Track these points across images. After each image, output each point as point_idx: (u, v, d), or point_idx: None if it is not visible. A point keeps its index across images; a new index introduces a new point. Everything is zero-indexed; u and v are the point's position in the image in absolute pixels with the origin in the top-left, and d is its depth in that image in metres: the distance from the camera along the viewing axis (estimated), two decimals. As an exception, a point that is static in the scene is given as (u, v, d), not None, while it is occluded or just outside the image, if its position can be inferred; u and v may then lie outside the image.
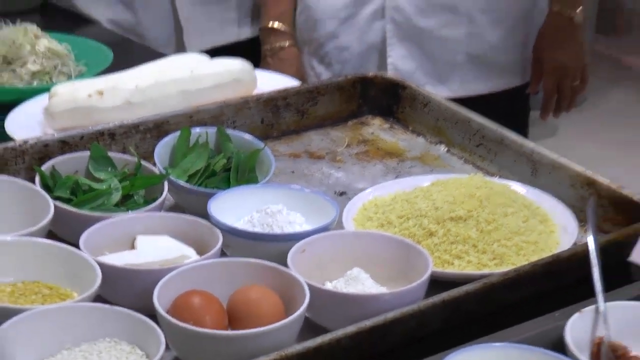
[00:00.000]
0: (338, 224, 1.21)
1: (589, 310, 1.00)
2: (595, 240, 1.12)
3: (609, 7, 5.21)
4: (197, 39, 2.19)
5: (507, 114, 2.01)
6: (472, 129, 1.46)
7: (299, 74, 2.06)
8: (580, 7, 2.20)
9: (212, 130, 1.34)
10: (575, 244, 1.23)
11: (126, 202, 1.21)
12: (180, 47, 2.21)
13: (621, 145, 4.20)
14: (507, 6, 2.15)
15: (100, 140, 1.26)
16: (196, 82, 1.53)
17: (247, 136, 1.36)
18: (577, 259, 1.12)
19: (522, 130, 2.16)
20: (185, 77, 1.53)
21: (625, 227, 1.22)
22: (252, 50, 2.17)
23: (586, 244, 1.13)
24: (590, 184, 1.31)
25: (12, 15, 1.78)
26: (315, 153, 1.42)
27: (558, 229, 1.28)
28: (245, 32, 2.25)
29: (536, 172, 1.36)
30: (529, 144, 1.40)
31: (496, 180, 1.30)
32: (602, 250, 1.10)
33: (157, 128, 1.32)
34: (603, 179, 1.32)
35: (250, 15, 2.27)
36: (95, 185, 1.14)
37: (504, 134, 1.42)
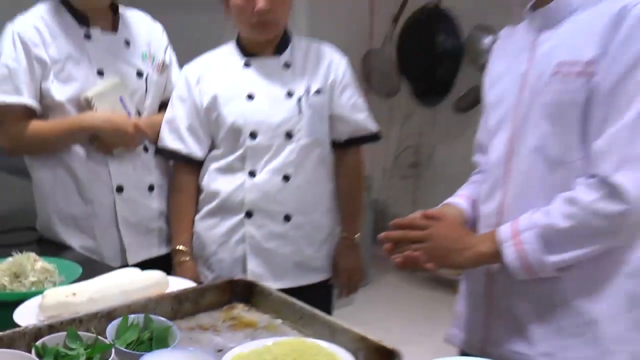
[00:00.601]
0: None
1: None
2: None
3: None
4: (134, 256, 2.16)
5: (319, 297, 2.11)
6: (296, 308, 1.45)
7: (195, 278, 2.03)
8: (358, 234, 2.28)
9: (141, 315, 1.32)
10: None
11: (89, 362, 1.19)
12: (124, 261, 2.14)
13: (392, 311, 4.36)
14: (318, 234, 2.18)
15: (73, 324, 1.28)
16: (132, 285, 1.52)
17: (162, 319, 1.35)
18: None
19: (328, 305, 2.27)
20: (126, 282, 1.53)
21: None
22: (168, 261, 2.16)
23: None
24: (363, 338, 1.31)
25: (19, 246, 1.79)
26: (203, 326, 1.43)
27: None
28: (163, 250, 2.24)
29: (334, 334, 1.35)
30: (328, 317, 1.41)
31: (310, 340, 1.32)
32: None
33: (108, 315, 1.33)
34: (371, 336, 1.32)
35: (166, 240, 2.24)
36: (70, 352, 1.17)
37: (314, 311, 1.42)
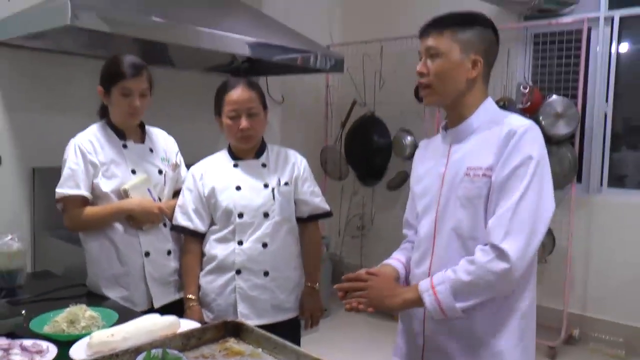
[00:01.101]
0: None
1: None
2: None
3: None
4: (158, 302, 2.14)
5: (291, 329, 2.14)
6: (272, 340, 1.43)
7: (200, 318, 2.02)
8: (318, 282, 2.23)
9: (160, 349, 1.30)
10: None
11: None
12: (150, 305, 2.12)
13: (347, 335, 4.27)
14: (288, 284, 2.15)
15: (112, 358, 1.28)
16: (154, 327, 1.52)
17: (175, 351, 1.32)
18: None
19: (298, 335, 2.23)
20: (149, 324, 1.53)
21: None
22: (181, 304, 2.11)
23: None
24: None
25: (73, 298, 1.77)
26: (205, 355, 1.40)
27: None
28: (178, 296, 2.20)
29: (299, 358, 1.33)
30: (295, 347, 1.38)
31: None
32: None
33: (137, 350, 1.31)
34: (325, 358, 1.29)
35: (180, 289, 2.20)
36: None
37: (285, 342, 1.40)
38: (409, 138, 4.71)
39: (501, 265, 1.34)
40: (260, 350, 1.44)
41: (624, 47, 4.20)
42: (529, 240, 1.35)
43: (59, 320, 1.60)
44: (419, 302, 1.44)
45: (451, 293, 1.39)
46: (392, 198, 5.00)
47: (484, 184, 1.41)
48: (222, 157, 2.16)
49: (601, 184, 4.14)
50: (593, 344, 4.03)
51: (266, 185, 2.09)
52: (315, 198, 2.20)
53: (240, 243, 2.05)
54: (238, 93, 2.02)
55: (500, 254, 1.34)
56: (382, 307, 1.51)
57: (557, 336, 3.97)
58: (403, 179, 4.81)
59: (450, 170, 1.50)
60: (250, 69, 4.15)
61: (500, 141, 1.41)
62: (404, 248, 1.74)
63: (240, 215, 2.05)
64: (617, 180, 4.21)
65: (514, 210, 1.35)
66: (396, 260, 1.69)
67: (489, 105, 1.51)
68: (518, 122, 1.44)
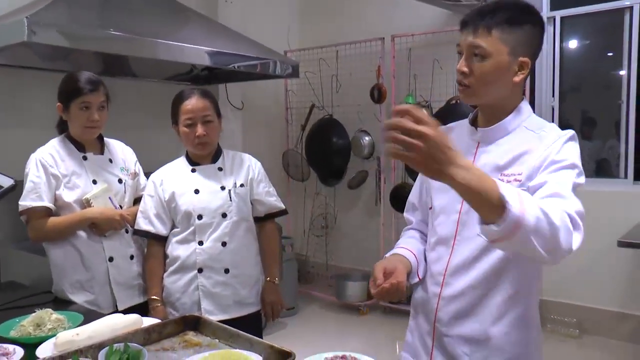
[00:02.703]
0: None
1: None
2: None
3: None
4: (122, 305, 2.16)
5: (254, 323, 2.20)
6: (227, 331, 1.48)
7: (165, 317, 2.01)
8: (277, 277, 2.26)
9: (122, 344, 1.34)
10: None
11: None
12: (115, 309, 2.14)
13: (314, 331, 4.33)
14: (249, 280, 2.19)
15: (76, 354, 1.30)
16: (117, 325, 1.53)
17: (136, 345, 1.36)
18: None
19: (260, 328, 2.28)
20: (112, 323, 1.54)
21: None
22: (146, 306, 2.14)
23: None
24: (270, 346, 1.34)
25: (40, 305, 1.78)
26: (165, 348, 1.44)
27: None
28: (142, 299, 2.22)
29: (252, 345, 1.37)
30: (248, 335, 1.43)
31: (236, 350, 1.37)
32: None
33: (100, 346, 1.35)
34: (275, 344, 1.35)
35: (144, 292, 2.23)
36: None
37: (239, 332, 1.45)
38: (366, 138, 4.83)
39: (578, 238, 1.17)
40: (217, 340, 1.49)
41: (573, 44, 4.40)
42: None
43: (25, 325, 1.63)
44: (490, 198, 1.04)
45: (536, 219, 1.08)
46: (354, 197, 5.11)
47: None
48: (180, 164, 2.21)
49: (551, 174, 4.31)
50: (550, 326, 4.21)
51: (223, 188, 2.14)
52: (270, 198, 2.27)
53: (200, 243, 2.11)
54: (193, 102, 2.08)
55: (577, 226, 1.18)
56: (431, 174, 1.05)
57: (515, 320, 4.13)
58: (363, 178, 4.92)
59: None
60: (210, 77, 4.22)
61: (539, 151, 1.31)
62: (412, 237, 1.62)
63: (200, 217, 2.11)
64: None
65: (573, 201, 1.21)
66: (406, 250, 1.55)
67: (524, 107, 1.40)
68: (558, 131, 1.34)
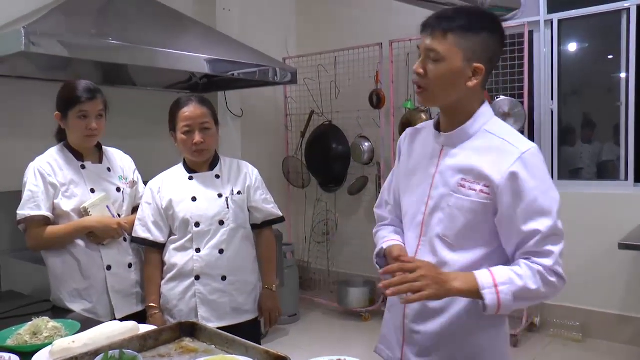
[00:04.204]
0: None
1: None
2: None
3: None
4: (120, 313, 2.17)
5: (251, 330, 2.19)
6: (222, 337, 1.48)
7: (163, 324, 1.95)
8: (274, 284, 2.27)
9: (117, 350, 1.35)
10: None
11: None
12: (112, 317, 2.14)
13: (316, 337, 4.30)
14: (246, 287, 2.20)
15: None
16: (113, 332, 1.53)
17: (131, 351, 1.36)
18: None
19: (258, 335, 2.31)
20: (108, 331, 1.54)
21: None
22: (144, 314, 2.16)
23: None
24: (266, 351, 1.35)
25: (38, 314, 1.77)
26: (161, 354, 1.45)
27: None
28: (140, 308, 2.23)
29: (248, 351, 1.37)
30: (244, 340, 1.43)
31: (231, 356, 1.37)
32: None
33: (95, 353, 1.36)
34: (271, 350, 1.35)
35: (142, 300, 2.24)
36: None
37: (235, 338, 1.45)
38: (366, 144, 4.83)
39: (560, 286, 1.36)
40: (213, 346, 1.50)
41: (572, 47, 4.41)
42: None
43: (22, 333, 1.63)
44: (475, 294, 1.34)
45: (513, 296, 1.32)
46: (354, 203, 5.11)
47: (480, 199, 1.36)
48: (178, 171, 2.22)
49: (552, 177, 4.28)
50: (553, 330, 4.20)
51: (220, 195, 2.15)
52: (267, 205, 2.27)
53: (198, 250, 2.12)
54: (191, 109, 2.09)
55: (559, 278, 1.35)
56: (440, 294, 1.33)
57: (518, 324, 4.12)
58: (363, 184, 4.92)
59: (441, 174, 1.44)
60: (209, 84, 4.24)
61: (503, 162, 1.35)
62: (394, 231, 1.64)
63: (197, 225, 2.11)
64: (573, 172, 4.43)
65: (556, 236, 1.34)
66: (398, 242, 1.58)
67: (485, 110, 1.43)
68: (522, 144, 1.37)
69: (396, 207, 1.65)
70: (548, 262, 1.34)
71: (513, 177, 1.33)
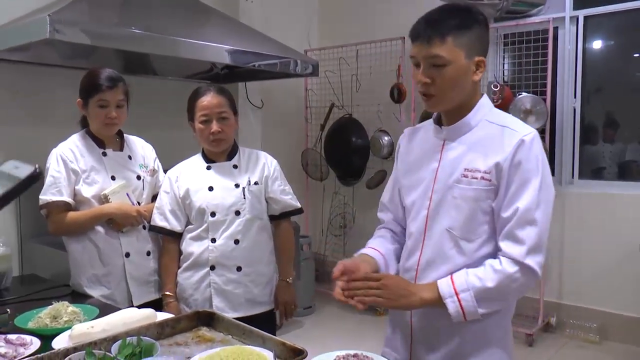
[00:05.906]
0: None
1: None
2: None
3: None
4: (137, 300, 2.20)
5: (267, 322, 2.18)
6: (239, 327, 1.49)
7: (178, 313, 2.02)
8: (291, 277, 2.27)
9: (135, 337, 1.37)
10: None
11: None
12: (130, 304, 2.18)
13: (331, 330, 4.30)
14: (262, 278, 2.19)
15: (90, 346, 1.32)
16: (131, 319, 1.55)
17: (149, 338, 1.38)
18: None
19: (273, 327, 2.27)
20: (126, 317, 1.56)
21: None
22: (160, 302, 2.18)
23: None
24: (283, 343, 1.36)
25: (57, 298, 1.82)
26: (178, 342, 1.47)
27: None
28: (157, 295, 2.25)
29: (265, 342, 1.39)
30: (261, 332, 1.44)
31: (248, 346, 1.36)
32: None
33: (114, 339, 1.37)
34: (287, 342, 1.36)
35: (159, 288, 2.26)
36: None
37: (251, 328, 1.47)
38: (386, 138, 4.81)
39: (527, 277, 1.35)
40: (230, 336, 1.51)
41: (596, 45, 4.34)
42: (544, 251, 1.38)
43: (42, 316, 1.66)
44: (439, 303, 1.39)
45: (475, 300, 1.36)
46: (372, 196, 5.03)
47: (482, 186, 1.38)
48: (196, 160, 2.23)
49: (572, 176, 4.26)
50: (569, 331, 4.16)
51: (237, 185, 2.15)
52: (285, 196, 2.26)
53: (213, 240, 2.12)
54: (208, 99, 2.09)
55: (525, 269, 1.35)
56: (399, 307, 1.44)
57: (534, 324, 4.09)
58: (382, 178, 4.90)
59: (444, 167, 1.45)
60: (230, 75, 4.25)
61: (504, 147, 1.37)
62: (381, 236, 1.68)
63: (213, 214, 2.12)
64: (595, 172, 4.33)
65: (530, 226, 1.35)
66: (373, 250, 1.61)
67: (485, 102, 1.46)
68: (522, 129, 1.39)
69: (394, 209, 1.67)
70: (516, 250, 1.35)
71: (513, 159, 1.36)
